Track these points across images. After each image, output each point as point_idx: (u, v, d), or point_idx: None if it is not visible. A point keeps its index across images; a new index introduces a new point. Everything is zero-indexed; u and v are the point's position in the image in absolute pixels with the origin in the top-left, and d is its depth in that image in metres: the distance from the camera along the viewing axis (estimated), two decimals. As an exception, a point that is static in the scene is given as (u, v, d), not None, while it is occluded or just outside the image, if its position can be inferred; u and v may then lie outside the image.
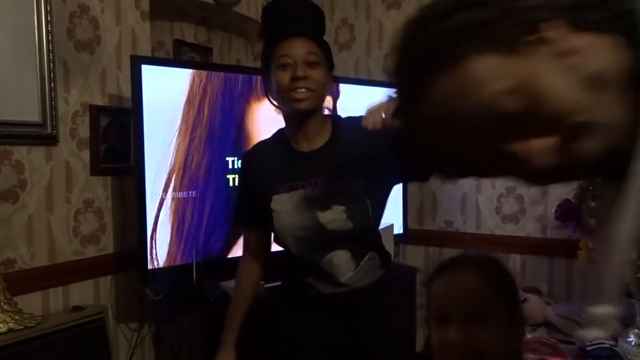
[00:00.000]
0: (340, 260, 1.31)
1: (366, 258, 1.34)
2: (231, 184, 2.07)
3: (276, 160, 1.36)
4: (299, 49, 1.27)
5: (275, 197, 1.31)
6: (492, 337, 0.81)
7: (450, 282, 0.87)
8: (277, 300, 1.46)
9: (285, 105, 1.32)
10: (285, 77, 1.27)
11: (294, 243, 1.31)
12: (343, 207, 1.28)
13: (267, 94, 1.39)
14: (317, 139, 1.34)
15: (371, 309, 1.35)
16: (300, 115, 1.31)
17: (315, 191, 1.29)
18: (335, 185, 1.29)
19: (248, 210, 1.42)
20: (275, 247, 1.45)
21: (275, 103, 1.36)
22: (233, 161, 2.08)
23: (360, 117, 1.25)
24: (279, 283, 1.53)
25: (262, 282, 1.61)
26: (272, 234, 1.40)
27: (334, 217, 1.27)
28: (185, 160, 1.95)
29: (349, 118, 1.39)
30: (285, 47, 1.28)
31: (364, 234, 1.33)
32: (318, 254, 1.30)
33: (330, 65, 1.36)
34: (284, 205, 1.31)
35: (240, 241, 2.10)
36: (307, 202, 1.29)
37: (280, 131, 1.41)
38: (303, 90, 1.27)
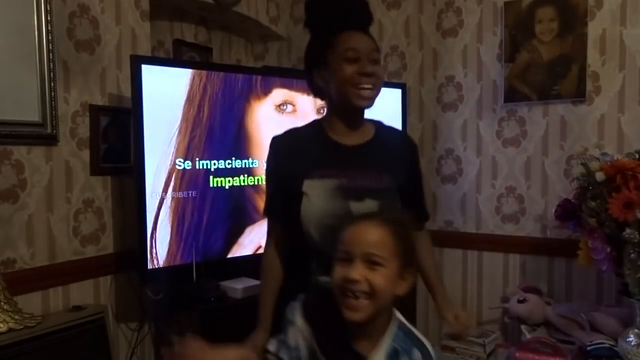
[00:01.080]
0: None
1: None
2: (231, 184, 2.08)
3: (311, 147, 1.33)
4: (366, 45, 1.28)
5: (307, 182, 1.27)
6: (384, 281, 0.96)
7: (359, 229, 1.00)
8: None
9: (344, 98, 1.29)
10: (351, 70, 1.25)
11: (319, 231, 1.25)
12: (377, 202, 1.26)
13: (312, 83, 1.36)
14: (360, 135, 1.34)
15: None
16: (356, 110, 1.31)
17: (351, 183, 1.27)
18: (371, 182, 1.29)
19: (281, 201, 1.34)
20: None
21: (326, 94, 1.34)
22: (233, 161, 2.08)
23: (401, 131, 1.27)
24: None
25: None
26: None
27: (367, 209, 1.24)
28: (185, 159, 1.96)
29: (391, 127, 1.43)
30: (351, 40, 1.27)
31: None
32: None
33: None
34: (317, 190, 1.27)
35: (241, 241, 2.11)
36: (341, 192, 1.26)
37: (316, 121, 1.40)
38: (370, 86, 1.27)
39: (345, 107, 1.31)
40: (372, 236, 0.99)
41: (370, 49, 1.28)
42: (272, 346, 1.10)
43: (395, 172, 1.32)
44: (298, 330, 1.06)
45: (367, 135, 1.35)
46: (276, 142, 1.39)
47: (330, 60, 1.29)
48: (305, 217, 1.27)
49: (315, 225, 1.26)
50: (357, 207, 1.24)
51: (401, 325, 1.05)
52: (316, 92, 1.38)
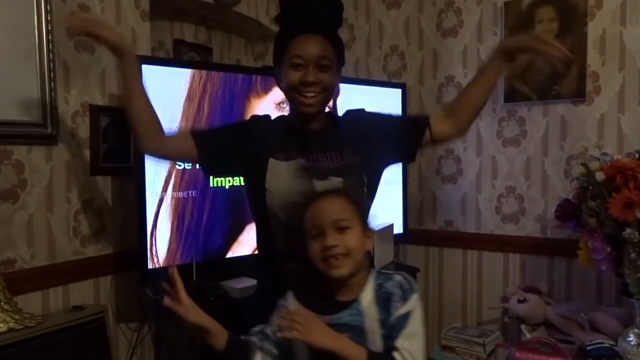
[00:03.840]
0: None
1: None
2: (231, 184, 2.08)
3: (276, 131, 1.39)
4: (312, 51, 1.28)
5: (272, 161, 1.31)
6: (355, 240, 1.13)
7: (321, 205, 1.15)
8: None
9: (291, 102, 1.36)
10: (295, 77, 1.29)
11: (285, 211, 1.28)
12: (340, 179, 1.30)
13: (278, 82, 1.41)
14: (318, 123, 1.39)
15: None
16: (305, 115, 1.35)
17: (314, 164, 1.32)
18: (333, 162, 1.33)
19: (214, 143, 1.38)
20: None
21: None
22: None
23: (347, 110, 1.41)
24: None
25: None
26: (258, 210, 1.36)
27: (331, 186, 1.28)
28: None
29: (347, 111, 1.49)
30: (298, 46, 1.29)
31: None
32: None
33: (341, 64, 1.39)
34: (281, 170, 1.31)
35: (241, 239, 2.11)
36: (304, 172, 1.30)
37: (282, 116, 1.47)
38: (312, 94, 1.30)
39: (297, 111, 1.36)
40: (336, 206, 1.14)
41: (318, 55, 1.28)
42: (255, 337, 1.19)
43: (357, 144, 1.36)
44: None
45: (324, 122, 1.40)
46: (250, 120, 1.47)
47: (282, 63, 1.33)
48: (271, 197, 1.29)
49: (281, 205, 1.28)
50: (320, 185, 1.28)
51: (379, 272, 1.21)
52: (280, 89, 1.42)
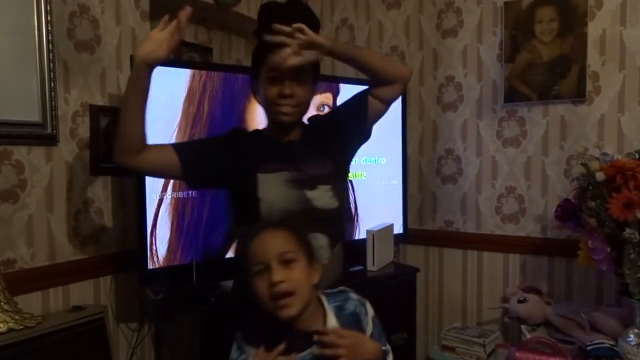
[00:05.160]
0: (319, 244, 1.31)
1: (337, 247, 1.39)
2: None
3: (257, 144, 1.42)
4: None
5: (260, 176, 1.34)
6: (301, 274, 1.09)
7: (265, 239, 1.11)
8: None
9: (268, 113, 1.41)
10: (272, 91, 1.34)
11: (279, 216, 1.29)
12: (329, 186, 1.36)
13: (254, 93, 1.46)
14: (294, 134, 1.44)
15: None
16: (283, 126, 1.40)
17: (300, 175, 1.35)
18: (317, 170, 1.37)
19: (196, 157, 1.37)
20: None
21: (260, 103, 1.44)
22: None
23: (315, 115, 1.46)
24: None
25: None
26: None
27: (321, 194, 1.35)
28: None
29: (310, 118, 1.52)
30: (275, 59, 1.31)
31: (343, 217, 1.41)
32: None
33: (317, 77, 1.44)
34: (272, 183, 1.34)
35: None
36: (294, 183, 1.35)
37: (256, 130, 1.53)
38: (288, 109, 1.35)
39: (275, 122, 1.41)
40: (279, 239, 1.11)
41: (294, 69, 1.31)
42: None
43: (329, 149, 1.42)
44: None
45: (300, 133, 1.45)
46: (234, 131, 1.49)
47: (260, 76, 1.38)
48: (266, 206, 1.31)
49: (277, 212, 1.30)
50: (311, 194, 1.33)
51: (327, 294, 1.20)
52: (257, 100, 1.47)
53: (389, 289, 2.26)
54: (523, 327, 2.14)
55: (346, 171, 1.52)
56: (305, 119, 1.50)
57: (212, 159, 1.39)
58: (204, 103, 2.00)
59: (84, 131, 1.91)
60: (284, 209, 1.30)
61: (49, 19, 1.72)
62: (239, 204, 1.43)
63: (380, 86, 1.47)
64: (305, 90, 1.37)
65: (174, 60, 2.47)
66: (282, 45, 1.30)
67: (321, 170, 1.38)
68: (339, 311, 1.15)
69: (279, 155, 1.38)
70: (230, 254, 2.09)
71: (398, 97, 1.55)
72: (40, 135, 1.73)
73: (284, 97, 1.33)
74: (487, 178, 2.50)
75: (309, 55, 1.32)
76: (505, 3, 2.39)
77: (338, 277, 1.39)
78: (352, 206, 1.42)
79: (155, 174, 1.49)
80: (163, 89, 1.88)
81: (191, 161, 1.37)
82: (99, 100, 1.96)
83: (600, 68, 2.21)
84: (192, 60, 2.61)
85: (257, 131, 1.51)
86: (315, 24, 1.39)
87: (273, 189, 1.33)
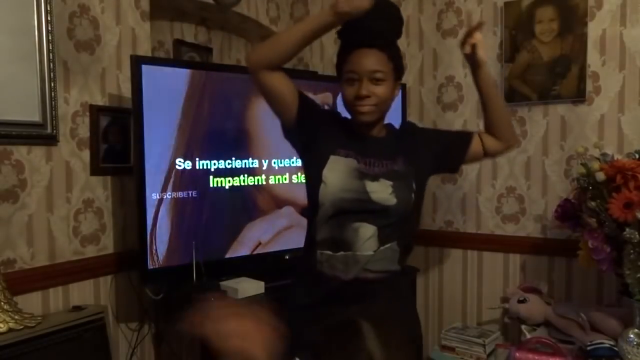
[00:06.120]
0: (365, 233, 1.37)
1: (387, 245, 1.40)
2: (231, 184, 2.08)
3: (343, 129, 1.49)
4: (366, 65, 1.38)
5: (332, 157, 1.41)
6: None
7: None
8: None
9: (349, 112, 1.47)
10: (350, 92, 1.40)
11: (333, 201, 1.38)
12: (390, 183, 1.40)
13: (342, 94, 1.50)
14: (377, 131, 1.50)
15: (377, 297, 1.38)
16: (362, 124, 1.46)
17: (368, 169, 1.42)
18: (386, 167, 1.43)
19: (312, 112, 1.47)
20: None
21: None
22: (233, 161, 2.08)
23: (402, 123, 1.59)
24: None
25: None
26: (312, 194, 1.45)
27: (381, 189, 1.39)
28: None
29: (404, 123, 1.66)
30: (352, 62, 1.39)
31: (401, 217, 1.41)
32: (350, 218, 1.37)
33: (399, 74, 1.47)
34: (339, 166, 1.41)
35: (240, 239, 2.12)
36: (358, 172, 1.41)
37: (348, 119, 1.55)
38: (366, 108, 1.40)
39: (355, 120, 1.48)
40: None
41: (371, 69, 1.38)
42: None
43: (410, 156, 1.47)
44: None
45: (383, 131, 1.52)
46: (331, 110, 1.69)
47: (341, 76, 1.45)
48: (325, 189, 1.39)
49: (331, 198, 1.38)
50: (371, 185, 1.38)
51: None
52: None
53: (389, 289, 2.26)
54: (523, 327, 2.14)
55: (420, 184, 1.50)
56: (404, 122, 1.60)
57: (317, 118, 1.47)
58: (204, 103, 2.00)
59: (84, 131, 1.91)
60: (340, 195, 1.38)
61: (49, 18, 1.72)
62: (308, 183, 1.49)
63: (490, 133, 1.58)
64: (383, 89, 1.40)
65: (174, 60, 2.48)
66: (362, 47, 1.39)
67: (390, 168, 1.43)
68: None
69: (355, 146, 1.44)
70: (230, 254, 2.09)
71: (496, 155, 1.69)
72: (40, 135, 1.73)
73: (360, 98, 1.38)
74: (487, 178, 2.50)
75: None
76: (505, 3, 2.39)
77: (383, 269, 1.41)
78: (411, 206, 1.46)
79: (272, 96, 1.43)
80: (163, 90, 1.89)
81: (305, 105, 1.45)
82: (99, 100, 1.96)
83: (600, 68, 2.21)
84: (192, 60, 2.61)
85: (348, 119, 1.54)
86: (397, 27, 1.53)
87: (336, 173, 1.39)
